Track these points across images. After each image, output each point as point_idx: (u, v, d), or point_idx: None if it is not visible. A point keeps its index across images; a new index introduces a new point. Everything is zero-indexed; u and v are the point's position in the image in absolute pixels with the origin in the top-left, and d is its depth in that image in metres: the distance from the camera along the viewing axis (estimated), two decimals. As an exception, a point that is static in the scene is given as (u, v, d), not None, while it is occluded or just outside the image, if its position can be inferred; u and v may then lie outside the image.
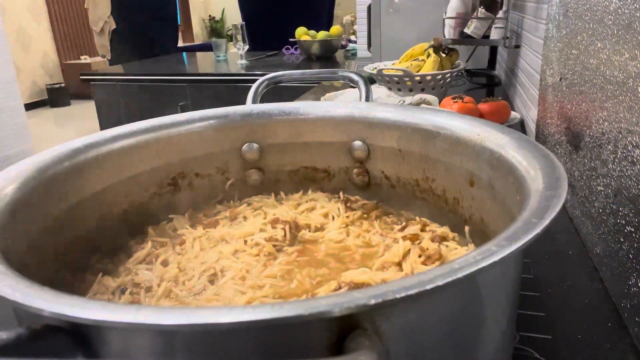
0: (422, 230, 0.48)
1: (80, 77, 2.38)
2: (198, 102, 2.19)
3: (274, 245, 0.48)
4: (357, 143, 0.55)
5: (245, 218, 0.53)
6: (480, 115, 1.02)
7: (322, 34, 2.46)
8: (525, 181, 0.34)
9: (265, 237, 0.48)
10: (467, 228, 0.46)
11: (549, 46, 0.84)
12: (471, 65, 1.66)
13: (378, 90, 1.31)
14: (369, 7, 1.87)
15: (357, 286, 0.39)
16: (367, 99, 0.62)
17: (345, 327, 0.22)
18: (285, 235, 0.48)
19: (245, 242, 0.48)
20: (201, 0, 5.97)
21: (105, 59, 2.96)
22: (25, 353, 0.22)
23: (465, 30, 1.44)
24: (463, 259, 0.24)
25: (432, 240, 0.45)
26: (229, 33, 2.64)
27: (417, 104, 1.04)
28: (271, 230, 0.49)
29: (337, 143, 0.56)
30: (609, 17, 0.54)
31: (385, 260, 0.44)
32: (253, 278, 0.43)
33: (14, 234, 0.36)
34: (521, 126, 1.11)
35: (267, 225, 0.50)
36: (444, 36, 1.48)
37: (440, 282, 0.22)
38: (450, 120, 0.48)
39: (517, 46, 1.32)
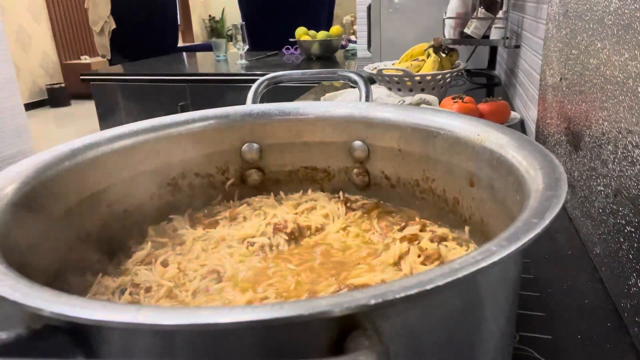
0: (422, 230, 0.48)
1: (80, 77, 2.38)
2: (198, 102, 2.19)
3: (275, 246, 0.48)
4: (357, 143, 0.55)
5: (245, 218, 0.53)
6: (480, 115, 1.02)
7: (322, 34, 2.46)
8: (525, 181, 0.34)
9: (266, 240, 0.48)
10: (467, 228, 0.46)
11: (549, 46, 0.84)
12: (471, 65, 1.66)
13: (378, 90, 1.31)
14: (369, 7, 1.87)
15: (356, 287, 0.39)
16: (367, 99, 0.62)
17: (345, 327, 0.22)
18: (288, 240, 0.48)
19: (249, 244, 0.48)
20: (201, 0, 5.97)
21: (105, 59, 2.96)
22: (25, 353, 0.22)
23: (465, 30, 1.44)
24: (463, 259, 0.24)
25: (432, 240, 0.45)
26: (229, 33, 2.64)
27: (417, 104, 1.04)
28: (273, 237, 0.49)
29: (337, 143, 0.56)
30: (609, 17, 0.54)
31: (383, 261, 0.44)
32: (253, 278, 0.43)
33: (14, 234, 0.36)
34: (521, 126, 1.11)
35: (269, 226, 0.50)
36: (444, 36, 1.48)
37: (440, 282, 0.22)
38: (450, 120, 0.48)
39: (517, 46, 1.32)
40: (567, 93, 0.70)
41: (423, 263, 0.42)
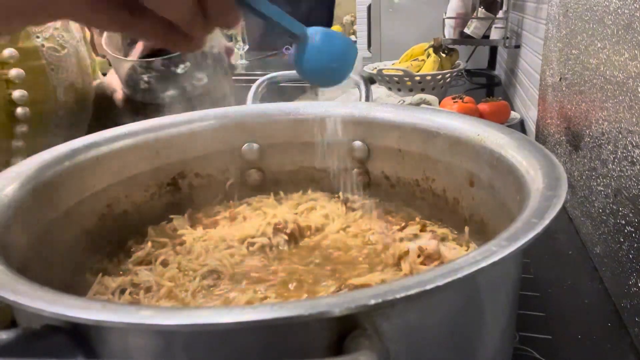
0: (422, 230, 0.48)
1: (80, 77, 2.38)
2: (198, 102, 2.18)
3: (275, 246, 0.48)
4: (357, 143, 0.55)
5: (245, 218, 0.53)
6: (480, 115, 1.02)
7: (322, 34, 2.45)
8: (525, 181, 0.34)
9: (266, 240, 0.48)
10: (467, 228, 0.46)
11: (549, 46, 0.84)
12: (471, 65, 1.66)
13: (378, 90, 1.31)
14: (369, 7, 1.87)
15: (356, 287, 0.39)
16: (367, 99, 0.62)
17: (345, 327, 0.22)
18: (288, 240, 0.48)
19: (249, 244, 0.48)
20: (201, 0, 5.97)
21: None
22: (25, 353, 0.22)
23: (465, 30, 1.44)
24: (463, 259, 0.24)
25: (431, 240, 0.45)
26: (229, 33, 2.64)
27: (417, 104, 1.04)
28: (273, 237, 0.49)
29: (337, 143, 0.56)
30: (609, 17, 0.54)
31: (383, 261, 0.44)
32: (253, 278, 0.43)
33: (14, 234, 0.36)
34: (521, 126, 1.11)
35: (269, 226, 0.50)
36: (444, 36, 1.48)
37: (440, 282, 0.22)
38: (450, 120, 0.48)
39: (517, 46, 1.32)
40: (567, 93, 0.70)
41: (423, 263, 0.42)
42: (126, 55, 0.67)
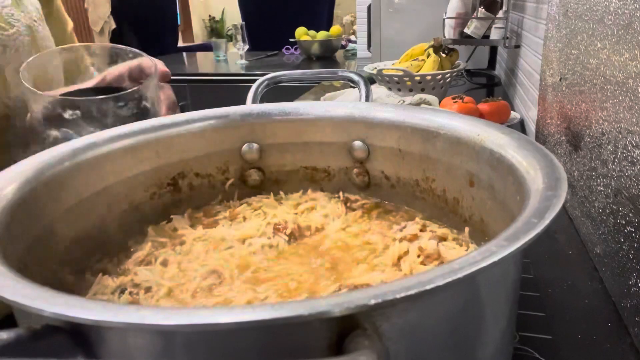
0: (422, 230, 0.48)
1: (80, 77, 2.37)
2: (198, 102, 2.19)
3: (275, 246, 0.48)
4: (357, 143, 0.55)
5: (245, 218, 0.53)
6: (480, 115, 1.03)
7: (322, 34, 2.46)
8: (525, 181, 0.34)
9: (266, 240, 0.48)
10: (467, 228, 0.46)
11: (549, 46, 0.84)
12: (471, 65, 1.66)
13: (378, 90, 1.31)
14: (369, 7, 1.87)
15: (357, 287, 0.39)
16: (367, 99, 0.62)
17: (345, 327, 0.22)
18: (288, 241, 0.48)
19: (249, 244, 0.48)
20: (201, 0, 5.97)
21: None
22: (25, 353, 0.22)
23: (465, 30, 1.44)
24: (463, 259, 0.24)
25: (431, 240, 0.45)
26: (229, 33, 2.64)
27: (417, 104, 1.04)
28: (273, 237, 0.49)
29: (337, 143, 0.56)
30: (609, 17, 0.54)
31: (383, 261, 0.44)
32: (253, 278, 0.43)
33: (14, 234, 0.36)
34: (521, 126, 1.11)
35: (269, 226, 0.50)
36: (444, 36, 1.48)
37: (440, 282, 0.22)
38: (450, 120, 0.48)
39: (517, 46, 1.32)
40: (567, 93, 0.70)
41: (423, 263, 0.42)
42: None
